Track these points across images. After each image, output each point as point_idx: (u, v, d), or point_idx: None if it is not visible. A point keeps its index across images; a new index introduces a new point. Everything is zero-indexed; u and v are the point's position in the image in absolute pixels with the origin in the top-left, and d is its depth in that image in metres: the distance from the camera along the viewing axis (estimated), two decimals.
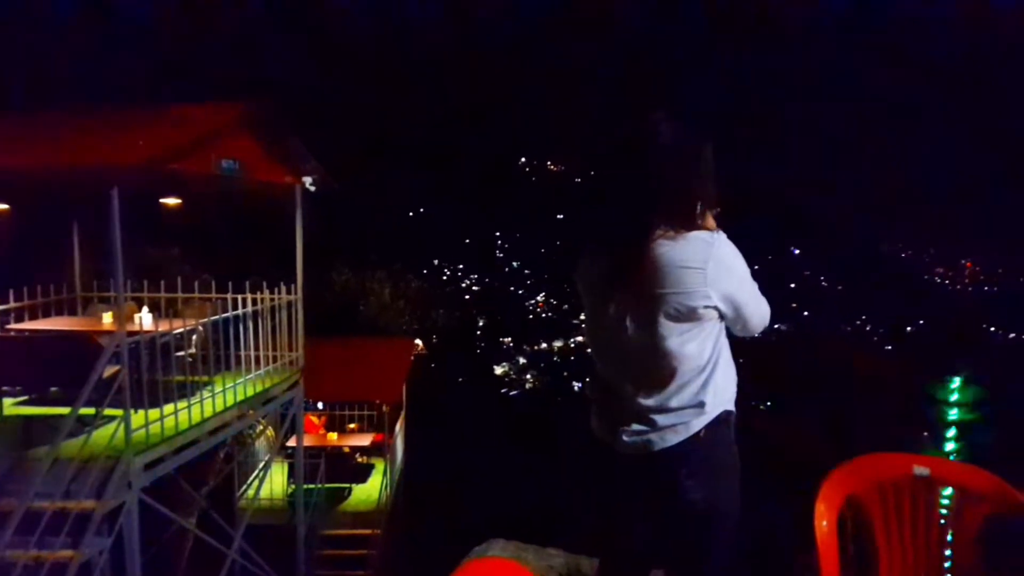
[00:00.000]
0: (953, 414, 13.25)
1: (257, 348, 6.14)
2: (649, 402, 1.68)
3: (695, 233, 1.61)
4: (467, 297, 52.86)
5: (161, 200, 6.56)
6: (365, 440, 9.99)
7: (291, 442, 7.89)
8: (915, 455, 1.72)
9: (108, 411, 4.47)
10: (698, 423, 1.63)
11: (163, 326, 5.18)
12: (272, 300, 6.32)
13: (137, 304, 6.09)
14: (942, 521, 1.77)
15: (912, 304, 53.68)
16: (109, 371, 4.59)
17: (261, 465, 9.04)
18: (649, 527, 1.78)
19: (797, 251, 65.34)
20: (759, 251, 62.73)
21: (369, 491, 9.58)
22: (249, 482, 9.18)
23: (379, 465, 10.05)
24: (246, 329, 5.98)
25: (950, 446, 12.71)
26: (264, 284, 6.34)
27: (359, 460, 10.05)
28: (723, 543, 1.69)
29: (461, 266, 58.77)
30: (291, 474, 8.94)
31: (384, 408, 10.17)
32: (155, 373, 4.88)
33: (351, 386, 9.98)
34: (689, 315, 1.60)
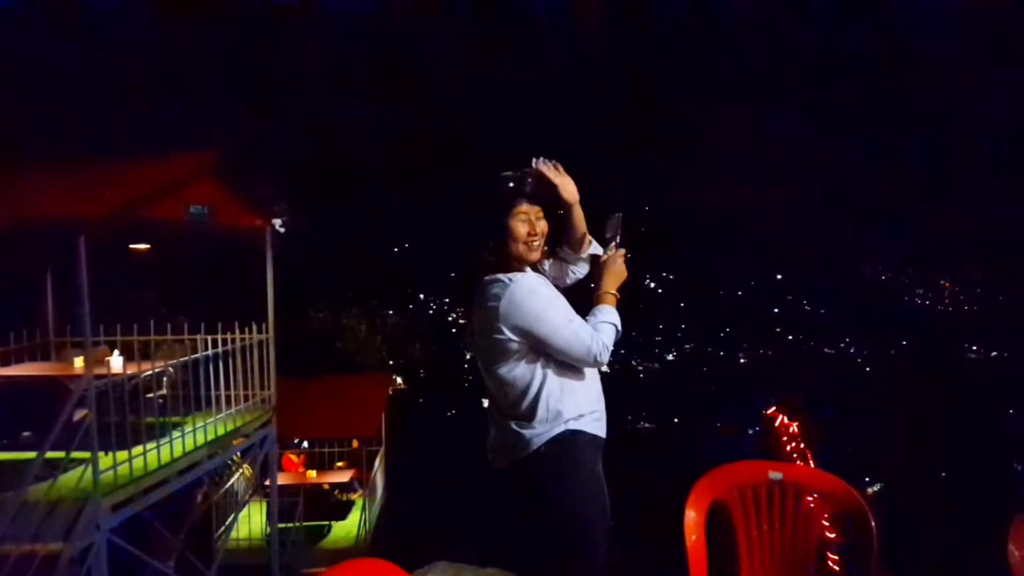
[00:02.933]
0: None
1: (228, 388, 6.28)
2: (499, 422, 2.00)
3: (503, 275, 1.89)
4: (453, 331, 52.96)
5: (131, 246, 6.74)
6: (344, 477, 10.06)
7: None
8: (772, 462, 1.93)
9: (76, 454, 4.58)
10: (537, 440, 1.88)
11: (132, 368, 5.32)
12: (243, 340, 6.47)
13: (110, 347, 6.22)
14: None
15: (893, 325, 54.20)
16: (79, 414, 4.72)
17: (239, 505, 9.09)
18: (518, 539, 2.01)
19: (780, 276, 66.14)
20: (744, 277, 63.70)
21: (348, 528, 9.62)
22: (227, 523, 9.21)
23: (359, 502, 10.10)
24: (216, 369, 6.13)
25: None
26: (236, 324, 6.50)
27: (338, 497, 10.11)
28: (580, 557, 1.89)
29: (447, 300, 58.88)
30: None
31: (355, 444, 10.27)
32: (125, 415, 5.01)
33: (328, 423, 10.09)
34: (499, 345, 1.87)
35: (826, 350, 54.45)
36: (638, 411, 42.43)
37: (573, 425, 1.94)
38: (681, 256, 61.93)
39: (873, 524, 1.74)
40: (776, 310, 60.31)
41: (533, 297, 1.91)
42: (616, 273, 2.07)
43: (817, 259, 65.69)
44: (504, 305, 1.90)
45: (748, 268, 63.80)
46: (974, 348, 53.24)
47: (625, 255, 2.10)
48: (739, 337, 55.16)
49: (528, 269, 2.03)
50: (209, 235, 7.55)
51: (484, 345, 1.99)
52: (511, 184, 2.01)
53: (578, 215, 2.21)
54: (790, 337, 55.75)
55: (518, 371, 1.95)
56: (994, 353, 52.24)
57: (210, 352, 6.08)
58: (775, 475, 1.86)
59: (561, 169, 2.12)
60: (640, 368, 51.44)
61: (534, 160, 2.10)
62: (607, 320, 1.97)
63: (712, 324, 55.89)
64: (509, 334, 1.90)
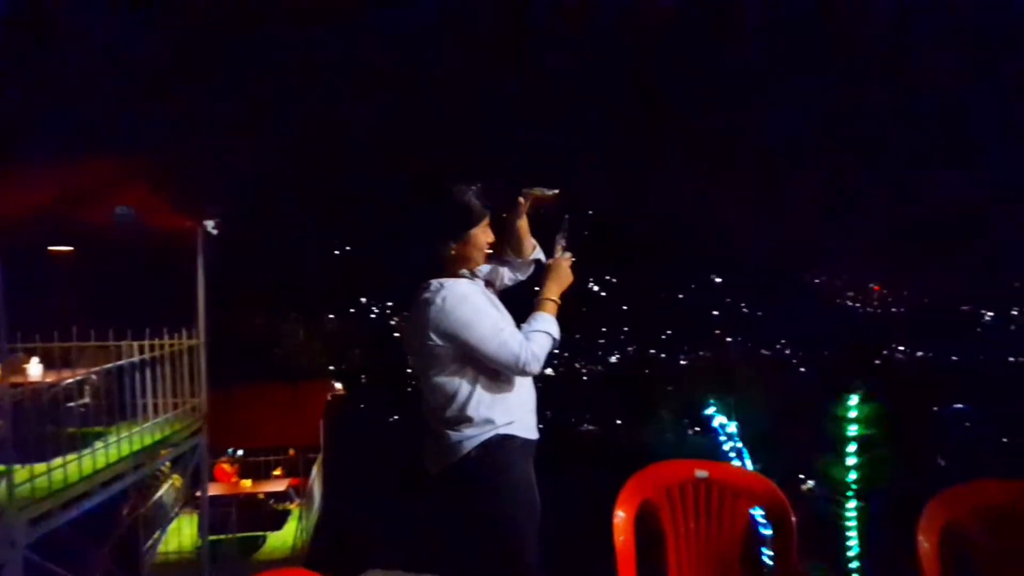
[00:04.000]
0: (853, 430, 13.91)
1: (156, 396, 6.05)
2: (432, 427, 2.00)
3: (436, 281, 1.89)
4: (395, 335, 52.41)
5: (51, 248, 6.44)
6: (281, 486, 9.81)
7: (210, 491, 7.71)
8: (697, 460, 1.97)
9: None
10: (468, 445, 1.88)
11: (52, 376, 5.07)
12: (172, 346, 6.25)
13: (28, 354, 5.92)
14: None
15: (825, 327, 56.23)
16: None
17: (168, 517, 8.76)
18: (448, 542, 2.00)
19: (719, 279, 67.88)
20: (684, 281, 65.15)
21: (284, 538, 9.38)
22: (156, 536, 8.87)
23: (296, 511, 9.87)
24: (143, 377, 5.90)
25: (851, 460, 13.36)
26: (165, 330, 6.27)
27: (274, 507, 9.85)
28: (511, 560, 1.89)
29: (390, 304, 58.29)
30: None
31: (291, 452, 10.05)
32: (44, 425, 4.77)
33: (263, 431, 9.83)
34: (430, 351, 1.87)
35: (763, 351, 56.05)
36: (581, 413, 42.79)
37: (504, 430, 1.95)
38: (624, 259, 62.92)
39: (793, 519, 1.79)
40: (715, 312, 61.86)
41: (463, 304, 1.91)
42: (560, 278, 2.08)
43: (755, 263, 67.77)
44: (434, 312, 1.91)
45: (688, 271, 65.35)
46: (900, 349, 55.65)
47: (572, 260, 2.12)
48: (680, 339, 56.31)
49: (465, 273, 2.04)
50: (140, 237, 7.27)
51: (417, 350, 1.99)
52: (485, 197, 2.04)
53: (524, 220, 2.25)
54: (728, 339, 57.21)
55: (449, 377, 1.95)
56: (919, 353, 54.77)
57: (136, 359, 5.85)
58: (701, 473, 1.90)
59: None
60: (584, 371, 51.96)
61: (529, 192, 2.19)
62: (541, 329, 1.97)
63: (653, 327, 56.92)
64: (438, 340, 1.91)
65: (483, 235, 2.04)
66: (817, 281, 72.07)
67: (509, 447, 1.94)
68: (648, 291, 61.44)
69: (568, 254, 2.12)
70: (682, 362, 53.81)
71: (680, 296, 63.99)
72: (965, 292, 66.61)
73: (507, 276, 2.30)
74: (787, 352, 56.32)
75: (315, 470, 10.76)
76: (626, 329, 58.13)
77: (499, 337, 1.90)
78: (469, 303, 1.92)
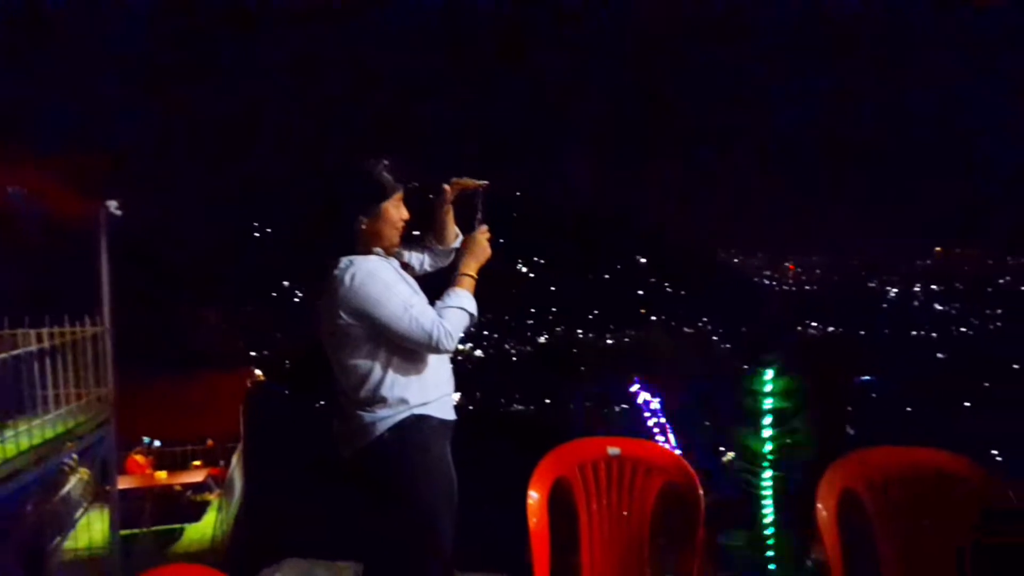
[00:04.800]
0: (768, 403, 14.52)
1: (58, 387, 5.71)
2: (345, 409, 1.95)
3: (345, 258, 1.84)
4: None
5: None
6: (198, 476, 9.48)
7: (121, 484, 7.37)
8: (610, 438, 1.99)
9: None
10: (381, 426, 1.84)
11: None
12: (74, 334, 5.90)
13: None
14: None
15: (743, 304, 58.47)
16: None
17: (76, 513, 8.34)
18: (364, 527, 1.96)
19: (643, 260, 69.48)
20: (609, 262, 66.38)
21: (203, 530, 9.08)
22: (64, 533, 8.44)
23: (215, 502, 9.57)
24: (43, 367, 5.55)
25: (767, 432, 13.99)
26: (67, 317, 5.91)
27: (192, 498, 9.52)
28: (426, 542, 1.87)
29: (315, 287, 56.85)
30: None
31: (209, 443, 9.73)
32: None
33: (180, 421, 9.47)
34: (341, 331, 1.82)
35: (685, 329, 57.84)
36: (511, 393, 43.19)
37: (419, 410, 1.92)
38: (552, 240, 63.51)
39: (701, 493, 1.83)
40: (640, 292, 63.35)
41: (372, 281, 1.85)
42: (477, 252, 2.03)
43: (677, 243, 69.63)
44: (343, 289, 1.85)
45: (615, 252, 66.62)
46: (813, 324, 58.41)
47: (489, 235, 2.07)
48: (606, 319, 57.46)
49: (379, 252, 1.98)
50: (36, 220, 6.81)
51: (328, 330, 1.93)
52: (396, 171, 1.98)
53: (450, 209, 2.23)
54: (653, 318, 58.74)
55: (361, 356, 1.90)
56: (831, 328, 57.67)
57: (34, 348, 5.49)
58: (613, 450, 1.92)
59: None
60: (513, 351, 52.37)
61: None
62: (456, 305, 1.93)
63: (581, 307, 57.84)
64: (348, 319, 1.85)
65: (395, 211, 1.98)
66: (736, 261, 74.70)
67: (424, 428, 1.91)
68: (576, 272, 62.30)
69: (484, 227, 2.07)
70: (608, 341, 55.00)
71: (607, 277, 65.20)
72: (871, 270, 70.44)
73: (427, 262, 2.27)
74: (708, 329, 58.37)
75: (235, 459, 10.45)
76: (554, 310, 58.86)
77: (409, 314, 1.85)
78: (378, 279, 1.86)
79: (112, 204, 6.23)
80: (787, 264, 73.57)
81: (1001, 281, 66.69)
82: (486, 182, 2.15)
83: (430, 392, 1.94)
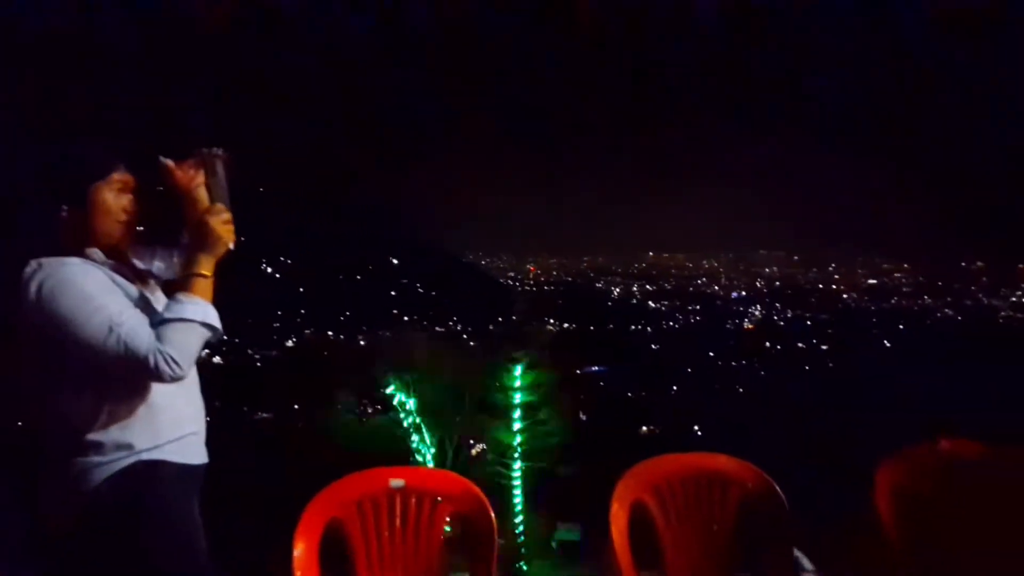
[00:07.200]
0: (517, 397, 15.17)
1: None
2: (50, 459, 1.55)
3: (34, 261, 1.44)
4: None
5: None
6: None
7: None
8: (392, 468, 1.77)
9: None
10: (98, 476, 1.47)
11: None
12: None
13: None
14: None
15: (491, 304, 61.40)
16: None
17: None
18: None
19: (395, 261, 69.55)
20: (363, 262, 65.39)
21: None
22: None
23: None
24: None
25: (517, 425, 14.63)
26: None
27: None
28: None
29: None
30: None
31: None
32: None
33: None
34: (35, 356, 1.43)
35: (437, 328, 59.00)
36: (256, 402, 40.43)
37: (149, 455, 1.49)
38: (299, 238, 60.91)
39: (493, 519, 1.69)
40: (393, 293, 63.33)
41: (64, 292, 1.41)
42: (209, 244, 1.57)
43: (429, 245, 70.84)
44: (28, 303, 1.40)
45: (367, 252, 65.86)
46: (551, 321, 63.14)
47: (227, 216, 1.60)
48: (358, 320, 56.49)
49: (96, 253, 1.51)
50: None
51: (18, 359, 1.45)
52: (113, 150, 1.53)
53: (202, 193, 1.72)
54: (406, 319, 59.06)
55: (66, 390, 1.45)
56: (565, 324, 62.80)
57: None
58: (396, 483, 1.69)
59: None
60: (257, 356, 49.06)
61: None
62: (180, 317, 1.48)
63: (331, 308, 56.23)
64: (38, 342, 1.42)
65: (113, 198, 1.53)
66: (484, 263, 78.18)
67: (157, 477, 1.49)
68: (326, 272, 60.39)
69: (219, 206, 1.59)
70: (361, 343, 54.02)
71: (358, 277, 64.13)
72: (600, 272, 78.25)
73: (176, 265, 1.76)
74: (458, 328, 60.15)
75: None
76: (303, 311, 56.40)
77: (116, 334, 1.40)
78: (74, 289, 1.41)
79: None
80: (529, 266, 78.89)
81: (698, 281, 78.08)
82: (221, 150, 1.66)
83: (164, 431, 1.52)
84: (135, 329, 1.42)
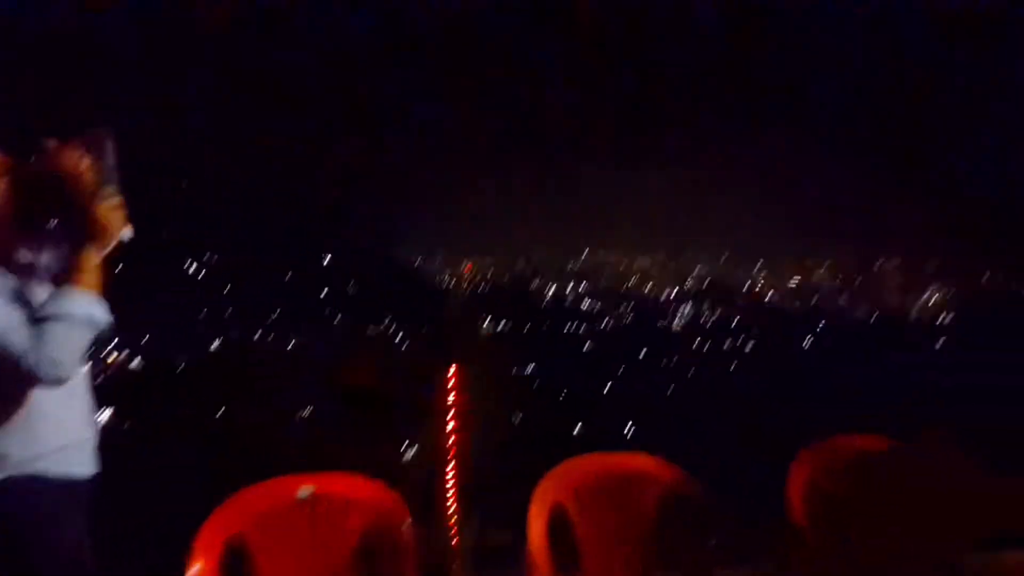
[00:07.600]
0: (451, 398, 15.15)
1: None
2: None
3: None
4: None
5: None
6: None
7: None
8: (299, 475, 1.69)
9: None
10: None
11: None
12: None
13: None
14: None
15: (425, 305, 61.04)
16: None
17: None
18: None
19: (328, 259, 68.19)
20: (296, 261, 63.76)
21: None
22: None
23: None
24: None
25: (451, 426, 14.62)
26: None
27: None
28: None
29: None
30: None
31: None
32: None
33: None
34: None
35: (372, 326, 58.17)
36: (174, 407, 39.01)
37: (27, 468, 1.35)
38: (228, 235, 59.08)
39: (408, 522, 1.63)
40: (325, 292, 62.07)
41: None
42: (98, 233, 1.43)
43: (361, 243, 69.84)
44: None
45: (301, 251, 64.38)
46: (488, 321, 63.19)
47: (119, 201, 1.46)
48: (290, 320, 55.15)
49: None
50: None
51: None
52: None
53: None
54: (336, 320, 57.99)
55: None
56: (502, 323, 63.00)
57: None
58: (303, 492, 1.60)
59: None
60: (179, 359, 47.23)
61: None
62: (61, 312, 1.34)
63: (260, 308, 54.71)
64: None
65: None
66: (419, 262, 77.57)
67: (35, 492, 1.34)
68: (254, 272, 58.66)
69: (109, 190, 1.44)
70: (291, 344, 52.63)
71: (288, 277, 62.54)
72: (536, 274, 78.80)
73: (64, 257, 1.56)
74: (392, 330, 59.43)
75: None
76: (230, 311, 54.59)
77: (24, 334, 1.28)
78: None
79: None
80: (464, 265, 78.61)
81: (632, 280, 79.49)
82: (107, 129, 1.49)
83: (43, 439, 1.37)
84: (8, 328, 1.29)
